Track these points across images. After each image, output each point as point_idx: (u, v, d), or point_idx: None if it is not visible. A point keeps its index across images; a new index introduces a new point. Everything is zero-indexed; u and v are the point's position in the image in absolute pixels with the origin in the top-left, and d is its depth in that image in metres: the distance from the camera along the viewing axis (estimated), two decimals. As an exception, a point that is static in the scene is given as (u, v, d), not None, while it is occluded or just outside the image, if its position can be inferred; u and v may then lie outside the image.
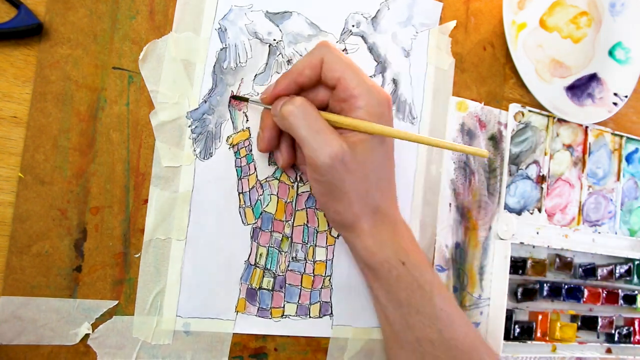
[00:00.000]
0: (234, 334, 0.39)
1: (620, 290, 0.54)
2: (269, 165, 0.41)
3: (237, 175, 0.40)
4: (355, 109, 0.35)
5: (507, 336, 0.48)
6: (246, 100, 0.39)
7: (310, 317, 0.42)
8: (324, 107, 0.38)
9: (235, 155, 0.40)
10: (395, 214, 0.38)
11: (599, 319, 0.52)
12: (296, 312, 0.41)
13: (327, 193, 0.35)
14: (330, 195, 0.35)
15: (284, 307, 0.41)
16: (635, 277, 0.55)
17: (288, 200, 0.41)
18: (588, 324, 0.52)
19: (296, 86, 0.36)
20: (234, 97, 0.39)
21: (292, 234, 0.41)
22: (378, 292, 0.37)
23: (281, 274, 0.41)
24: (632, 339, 0.55)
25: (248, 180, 0.40)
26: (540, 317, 0.50)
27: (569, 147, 0.53)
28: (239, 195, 0.40)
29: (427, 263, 0.37)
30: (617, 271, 0.54)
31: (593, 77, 0.55)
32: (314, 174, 0.35)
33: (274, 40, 0.41)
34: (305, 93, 0.37)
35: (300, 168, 0.41)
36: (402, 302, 0.36)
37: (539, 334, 0.49)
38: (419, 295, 0.35)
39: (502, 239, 0.49)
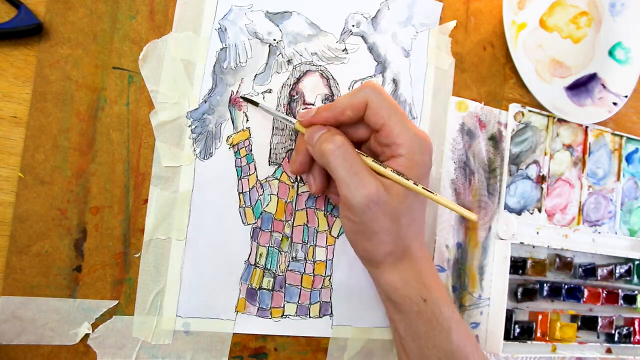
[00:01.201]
0: (233, 334, 0.39)
1: (620, 290, 0.54)
2: (269, 165, 0.41)
3: (237, 175, 0.40)
4: (397, 156, 0.35)
5: (507, 336, 0.48)
6: (256, 104, 0.39)
7: (310, 317, 0.42)
8: (362, 142, 0.38)
9: (235, 155, 0.40)
10: (421, 252, 0.38)
11: (599, 319, 0.52)
12: (296, 312, 0.41)
13: (359, 232, 0.35)
14: (361, 234, 0.35)
15: (284, 307, 0.41)
16: (635, 277, 0.55)
17: (288, 200, 0.41)
18: (588, 324, 0.52)
19: (336, 122, 0.36)
20: (245, 99, 0.39)
21: (292, 234, 0.41)
22: (398, 324, 0.38)
23: (281, 274, 0.41)
24: (632, 339, 0.55)
25: (248, 180, 0.40)
26: (540, 317, 0.50)
27: (569, 147, 0.53)
28: (239, 195, 0.40)
29: (448, 299, 0.37)
30: (617, 271, 0.54)
31: (593, 77, 0.55)
32: (348, 213, 0.35)
33: (274, 40, 0.41)
34: (345, 128, 0.37)
35: (331, 197, 0.41)
36: (420, 335, 0.36)
37: (539, 334, 0.49)
38: (437, 331, 0.36)
39: (502, 239, 0.49)
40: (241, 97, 0.39)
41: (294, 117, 0.40)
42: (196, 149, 0.39)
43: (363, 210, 0.33)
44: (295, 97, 0.42)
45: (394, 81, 0.45)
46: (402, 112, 0.35)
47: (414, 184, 0.35)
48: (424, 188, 0.35)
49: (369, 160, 0.35)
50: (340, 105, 0.35)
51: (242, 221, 0.40)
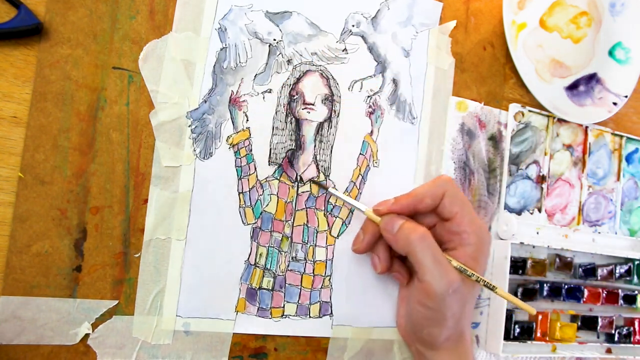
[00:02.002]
0: (233, 334, 0.39)
1: (620, 290, 0.54)
2: (269, 165, 0.41)
3: (237, 175, 0.40)
4: (466, 245, 0.38)
5: (507, 336, 0.48)
6: (325, 188, 0.41)
7: (310, 317, 0.42)
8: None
9: (235, 155, 0.40)
10: (469, 336, 0.41)
11: (599, 319, 0.52)
12: (296, 312, 0.41)
13: (430, 317, 0.37)
14: (433, 320, 0.38)
15: (283, 307, 0.41)
16: (635, 277, 0.55)
17: (288, 200, 0.41)
18: (588, 324, 0.52)
19: (414, 210, 0.39)
20: (314, 182, 0.41)
21: (292, 234, 0.41)
22: None
23: (281, 273, 0.41)
24: (632, 339, 0.55)
25: (248, 180, 0.40)
26: (540, 317, 0.50)
27: (569, 147, 0.53)
28: (239, 195, 0.40)
29: None
30: (617, 271, 0.54)
31: (593, 77, 0.55)
32: (425, 299, 0.37)
33: (274, 40, 0.41)
34: (415, 216, 0.40)
35: (394, 275, 0.43)
36: None
37: (539, 334, 0.49)
38: None
39: (502, 239, 0.49)
40: (312, 181, 0.41)
41: (293, 114, 0.40)
42: (196, 149, 0.39)
43: (443, 297, 0.36)
44: (295, 97, 0.42)
45: (394, 81, 0.45)
46: (471, 205, 0.40)
47: (480, 280, 0.38)
48: (488, 284, 0.39)
49: (446, 255, 0.38)
50: (421, 193, 0.39)
51: (242, 221, 0.40)
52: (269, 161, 0.41)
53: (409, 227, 0.37)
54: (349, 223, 0.43)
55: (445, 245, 0.39)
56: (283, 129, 0.41)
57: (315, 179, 0.41)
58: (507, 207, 0.50)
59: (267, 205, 0.41)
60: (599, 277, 0.53)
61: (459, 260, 0.38)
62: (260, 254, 0.40)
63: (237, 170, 0.40)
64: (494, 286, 0.39)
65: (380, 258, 0.41)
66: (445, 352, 0.39)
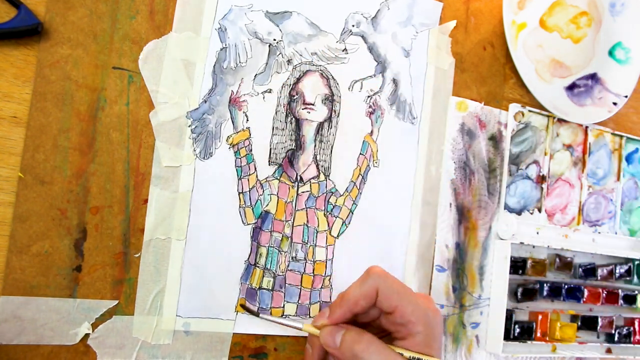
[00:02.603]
0: (233, 333, 0.39)
1: (620, 290, 0.54)
2: (269, 165, 0.41)
3: (237, 175, 0.40)
4: (415, 334, 0.36)
5: (507, 336, 0.48)
6: (257, 314, 0.39)
7: (310, 317, 0.42)
8: (375, 325, 0.39)
9: (235, 155, 0.40)
10: None
11: (599, 319, 0.52)
12: (296, 312, 0.41)
13: None
14: None
15: (283, 307, 0.41)
16: (635, 277, 0.55)
17: (288, 200, 0.41)
18: (588, 324, 0.52)
19: (351, 315, 0.37)
20: (244, 308, 0.39)
21: (292, 234, 0.41)
22: None
23: (281, 273, 0.41)
24: (632, 339, 0.55)
25: (248, 180, 0.40)
26: (540, 317, 0.50)
27: (569, 147, 0.53)
28: (239, 195, 0.40)
29: None
30: (617, 271, 0.54)
31: (593, 77, 0.55)
32: None
33: (274, 40, 0.41)
34: (356, 316, 0.38)
35: None
36: None
37: (539, 334, 0.49)
38: None
39: (502, 239, 0.49)
40: (242, 306, 0.39)
41: (293, 114, 0.40)
42: (196, 149, 0.39)
43: None
44: (295, 97, 0.42)
45: (394, 81, 0.45)
46: (410, 292, 0.37)
47: None
48: None
49: (396, 349, 0.37)
50: (353, 297, 0.37)
51: (242, 221, 0.40)
52: (269, 161, 0.41)
53: (352, 338, 0.35)
54: (349, 223, 0.43)
55: (394, 335, 0.38)
56: (283, 129, 0.41)
57: (245, 306, 0.40)
58: (507, 207, 0.50)
59: (267, 205, 0.41)
60: (599, 277, 0.53)
61: (411, 350, 0.36)
62: (260, 254, 0.40)
63: (237, 170, 0.40)
64: None
65: None
66: None
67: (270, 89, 0.41)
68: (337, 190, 0.43)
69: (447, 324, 0.47)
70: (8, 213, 0.34)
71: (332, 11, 0.43)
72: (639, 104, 0.58)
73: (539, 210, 0.51)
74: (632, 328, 0.55)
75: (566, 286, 0.51)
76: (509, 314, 0.48)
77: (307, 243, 0.42)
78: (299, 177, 0.42)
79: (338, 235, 0.43)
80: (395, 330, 0.37)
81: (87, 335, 0.35)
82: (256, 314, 0.39)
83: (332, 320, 0.37)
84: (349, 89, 0.44)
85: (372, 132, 0.44)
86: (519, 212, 0.50)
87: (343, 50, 0.43)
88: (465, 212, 0.48)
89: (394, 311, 0.36)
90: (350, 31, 0.44)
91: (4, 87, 0.34)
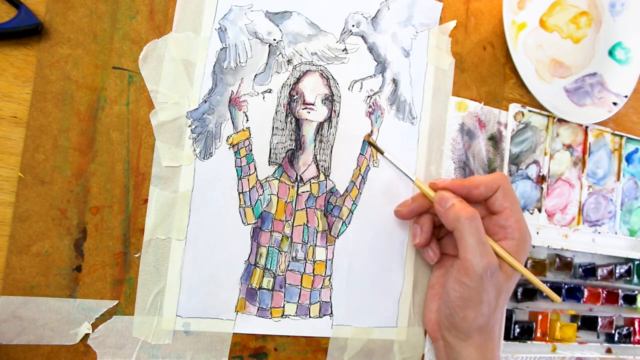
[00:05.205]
0: (233, 334, 0.39)
1: (620, 290, 0.54)
2: (269, 165, 0.41)
3: (237, 175, 0.40)
4: (510, 239, 0.40)
5: (507, 336, 0.48)
6: (382, 152, 0.43)
7: (310, 317, 0.42)
8: None
9: (235, 155, 0.40)
10: (498, 334, 0.43)
11: (599, 319, 0.52)
12: (296, 312, 0.41)
13: (467, 298, 0.39)
14: (469, 301, 0.39)
15: (283, 307, 0.41)
16: (635, 277, 0.55)
17: (288, 200, 0.41)
18: (588, 324, 0.52)
19: (467, 194, 0.40)
20: (371, 144, 0.43)
21: (292, 234, 0.41)
22: None
23: (281, 273, 0.41)
24: (632, 339, 0.55)
25: (248, 180, 0.40)
26: (540, 317, 0.50)
27: (569, 147, 0.53)
28: (239, 195, 0.40)
29: None
30: (617, 271, 0.54)
31: (593, 77, 0.55)
32: (464, 277, 0.38)
33: (274, 40, 0.41)
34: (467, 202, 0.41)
35: (425, 252, 0.43)
36: None
37: (539, 334, 0.49)
38: None
39: (502, 239, 0.49)
40: (368, 142, 0.43)
41: (293, 114, 0.40)
42: (196, 149, 0.39)
43: (480, 276, 0.38)
44: (295, 97, 0.42)
45: (394, 81, 0.45)
46: (520, 205, 0.42)
47: (517, 268, 0.40)
48: (525, 273, 0.41)
49: (492, 243, 0.40)
50: (477, 180, 0.41)
51: (242, 221, 0.40)
52: (269, 161, 0.41)
53: (461, 205, 0.39)
54: (349, 223, 0.43)
55: (492, 237, 0.41)
56: (283, 129, 0.41)
57: (373, 142, 0.43)
58: (507, 207, 0.50)
59: (267, 205, 0.41)
60: (599, 277, 0.53)
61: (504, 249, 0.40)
62: (260, 254, 0.40)
63: (237, 170, 0.40)
64: (532, 276, 0.41)
65: (422, 230, 0.42)
66: (473, 346, 0.40)
67: (270, 89, 0.41)
68: (337, 190, 0.43)
69: (447, 324, 0.47)
70: (8, 213, 0.34)
71: (332, 11, 0.43)
72: (639, 104, 0.58)
73: (539, 210, 0.51)
74: (632, 328, 0.55)
75: (566, 286, 0.51)
76: (509, 314, 0.48)
77: (307, 243, 0.42)
78: (299, 177, 0.42)
79: (338, 235, 0.43)
80: (493, 232, 0.41)
81: (87, 335, 0.35)
82: (381, 152, 0.43)
83: (451, 186, 0.41)
84: (348, 89, 0.44)
85: (372, 132, 0.44)
86: (519, 212, 0.50)
87: (343, 50, 0.43)
88: (465, 212, 0.48)
89: (502, 212, 0.40)
90: (350, 31, 0.44)
91: (4, 87, 0.34)
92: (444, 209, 0.39)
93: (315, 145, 0.42)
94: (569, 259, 0.52)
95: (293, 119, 0.42)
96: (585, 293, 0.52)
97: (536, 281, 0.41)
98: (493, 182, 0.40)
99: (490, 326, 0.41)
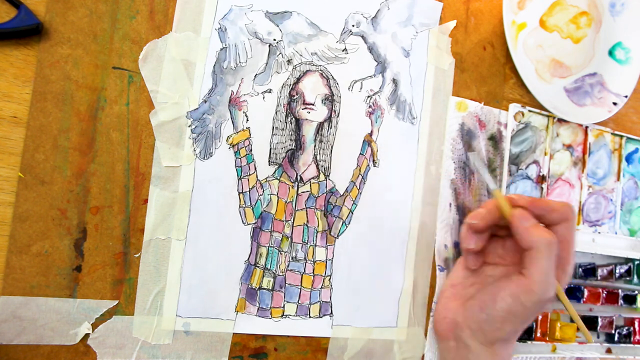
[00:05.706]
0: (233, 333, 0.39)
1: (620, 290, 0.54)
2: (269, 165, 0.41)
3: (237, 175, 0.40)
4: (559, 269, 0.40)
5: (507, 336, 0.48)
6: (471, 150, 0.44)
7: (310, 317, 0.42)
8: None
9: (235, 155, 0.40)
10: (514, 344, 0.43)
11: (599, 319, 0.52)
12: (296, 312, 0.41)
13: (515, 314, 0.39)
14: (514, 316, 0.39)
15: (283, 307, 0.41)
16: (635, 277, 0.55)
17: (288, 200, 0.41)
18: (588, 324, 0.52)
19: (540, 216, 0.40)
20: (465, 143, 0.44)
21: (292, 234, 0.41)
22: None
23: (281, 273, 0.41)
24: (632, 339, 0.55)
25: (248, 180, 0.40)
26: (540, 317, 0.50)
27: (569, 147, 0.53)
28: (239, 195, 0.40)
29: None
30: (617, 271, 0.54)
31: (593, 77, 0.55)
32: (524, 296, 0.38)
33: (274, 40, 0.41)
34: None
35: (469, 259, 0.43)
36: None
37: (539, 334, 0.49)
38: None
39: (502, 239, 0.48)
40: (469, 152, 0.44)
41: (293, 114, 0.40)
42: (196, 149, 0.39)
43: (541, 302, 0.38)
44: (295, 97, 0.42)
45: (394, 81, 0.45)
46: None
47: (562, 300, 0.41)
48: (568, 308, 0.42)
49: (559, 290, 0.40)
50: (552, 207, 0.40)
51: (242, 221, 0.40)
52: (269, 161, 0.41)
53: (545, 228, 0.39)
54: (349, 223, 0.43)
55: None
56: (283, 129, 0.41)
57: (468, 140, 0.44)
58: (507, 207, 0.50)
59: (267, 205, 0.41)
60: (599, 277, 0.53)
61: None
62: (260, 254, 0.40)
63: (237, 170, 0.40)
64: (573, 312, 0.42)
65: (480, 238, 0.42)
66: (494, 351, 0.40)
67: (270, 89, 0.41)
68: (337, 190, 0.43)
69: (447, 324, 0.47)
70: (8, 213, 0.34)
71: (332, 11, 0.43)
72: (639, 104, 0.58)
73: (539, 210, 0.51)
74: (632, 328, 0.55)
75: (566, 286, 0.51)
76: (509, 314, 0.48)
77: (307, 243, 0.42)
78: (298, 177, 0.42)
79: (338, 235, 0.43)
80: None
81: (87, 335, 0.35)
82: (471, 150, 0.44)
83: (531, 205, 0.40)
84: (348, 89, 0.44)
85: (372, 132, 0.44)
86: (519, 212, 0.50)
87: (343, 50, 0.43)
88: (465, 212, 0.48)
89: (561, 242, 0.39)
90: (350, 31, 0.44)
91: (4, 87, 0.34)
92: (525, 227, 0.39)
93: (315, 145, 0.42)
94: (569, 259, 0.52)
95: (293, 119, 0.42)
96: (585, 293, 0.52)
97: (578, 320, 0.42)
98: (564, 212, 0.40)
99: (514, 339, 0.42)
